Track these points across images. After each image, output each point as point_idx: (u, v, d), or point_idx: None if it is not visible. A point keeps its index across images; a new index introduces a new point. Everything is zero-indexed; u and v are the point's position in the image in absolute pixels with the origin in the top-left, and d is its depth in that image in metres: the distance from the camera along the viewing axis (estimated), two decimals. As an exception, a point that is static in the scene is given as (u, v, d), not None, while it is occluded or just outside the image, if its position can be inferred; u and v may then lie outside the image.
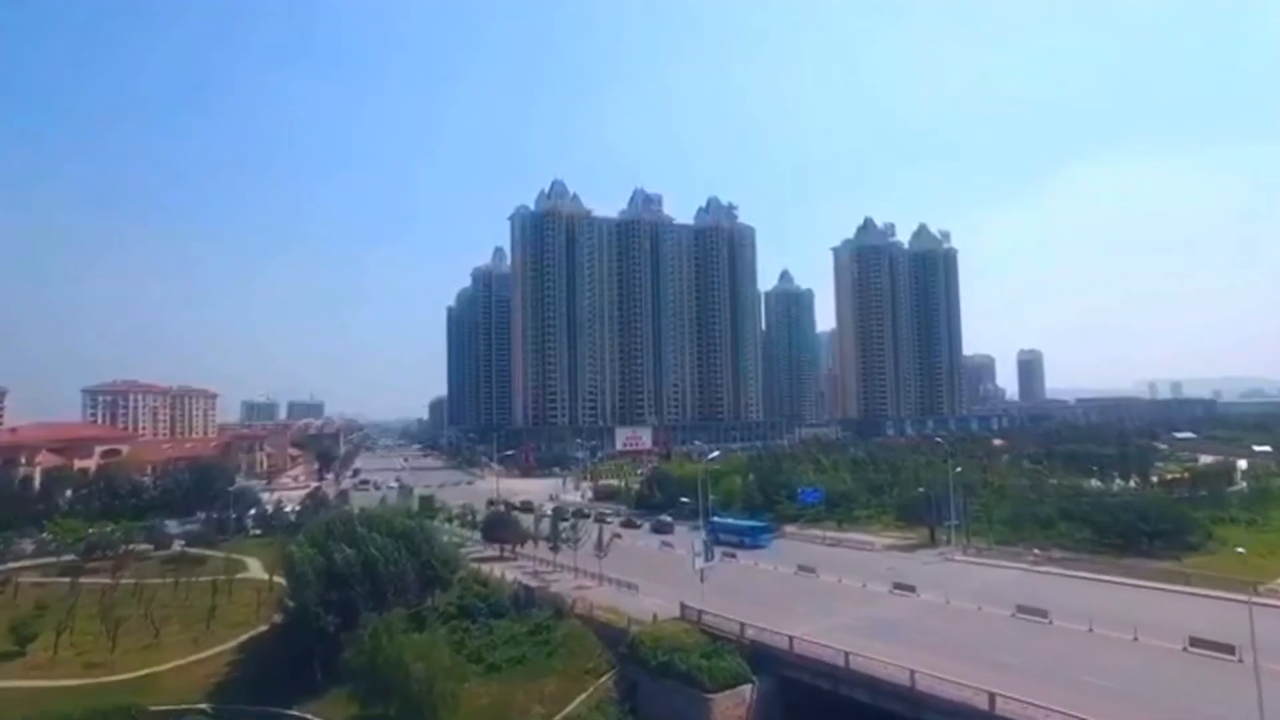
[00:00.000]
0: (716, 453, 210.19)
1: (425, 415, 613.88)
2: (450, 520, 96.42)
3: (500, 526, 77.29)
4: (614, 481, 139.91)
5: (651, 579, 63.08)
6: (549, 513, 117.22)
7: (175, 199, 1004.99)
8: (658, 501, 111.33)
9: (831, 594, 58.02)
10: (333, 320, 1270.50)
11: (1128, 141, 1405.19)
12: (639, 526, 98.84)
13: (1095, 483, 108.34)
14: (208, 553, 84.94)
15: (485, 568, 70.27)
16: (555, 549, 69.69)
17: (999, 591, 55.70)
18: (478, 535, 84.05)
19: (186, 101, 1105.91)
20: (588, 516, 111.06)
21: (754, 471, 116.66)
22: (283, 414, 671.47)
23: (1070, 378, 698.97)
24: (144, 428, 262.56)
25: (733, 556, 70.02)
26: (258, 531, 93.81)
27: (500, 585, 61.35)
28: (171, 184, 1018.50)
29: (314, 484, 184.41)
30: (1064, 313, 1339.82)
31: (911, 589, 56.58)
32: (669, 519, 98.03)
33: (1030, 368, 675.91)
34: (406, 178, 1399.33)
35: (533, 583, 58.45)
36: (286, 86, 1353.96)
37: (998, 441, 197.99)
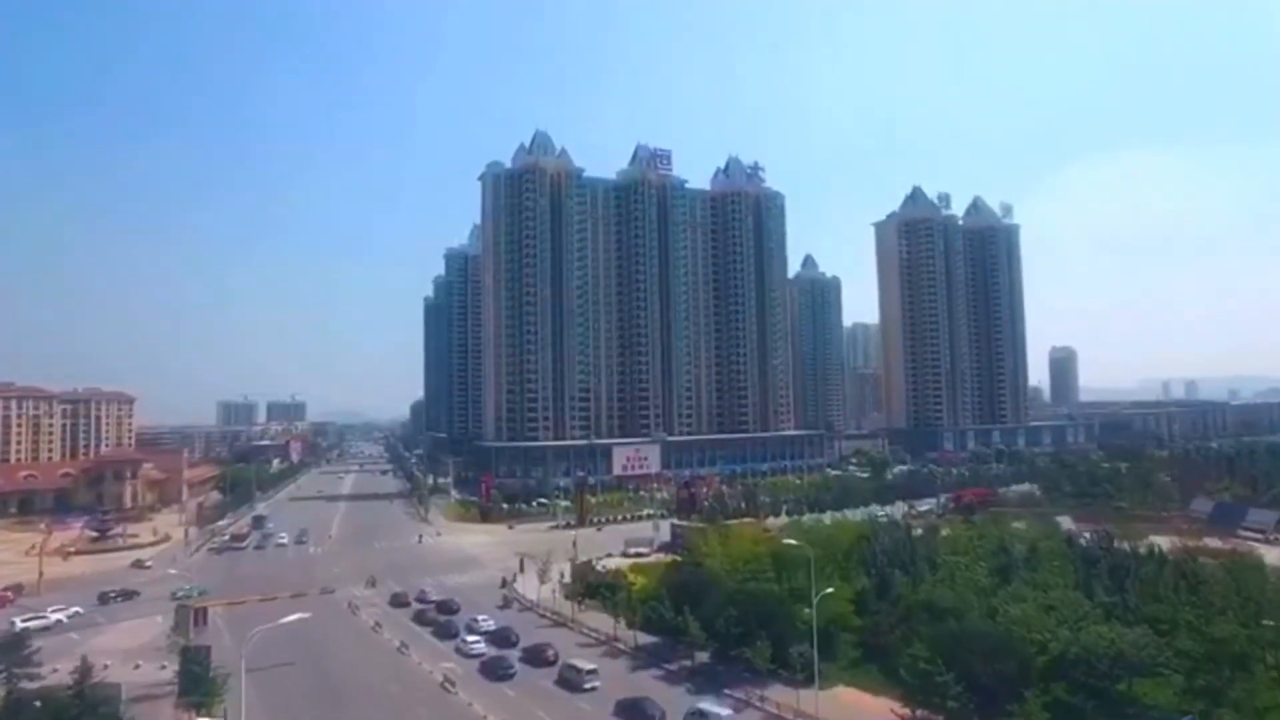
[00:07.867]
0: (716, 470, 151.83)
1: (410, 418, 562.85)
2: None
3: None
4: (610, 551, 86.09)
5: None
6: (479, 646, 64.10)
7: (155, 197, 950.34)
8: (686, 631, 57.05)
9: None
10: (326, 316, 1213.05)
11: (1129, 140, 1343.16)
12: (652, 718, 44.95)
13: None
14: None
15: None
16: None
17: None
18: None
19: (166, 99, 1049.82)
20: (553, 663, 57.72)
21: (872, 565, 62.35)
22: (261, 415, 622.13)
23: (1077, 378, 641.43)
24: (19, 443, 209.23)
25: None
26: None
27: None
28: (152, 183, 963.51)
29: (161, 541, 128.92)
30: (1070, 311, 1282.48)
31: None
32: (723, 715, 44.08)
33: (1063, 366, 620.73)
34: (402, 164, 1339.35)
35: None
36: (270, 78, 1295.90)
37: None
